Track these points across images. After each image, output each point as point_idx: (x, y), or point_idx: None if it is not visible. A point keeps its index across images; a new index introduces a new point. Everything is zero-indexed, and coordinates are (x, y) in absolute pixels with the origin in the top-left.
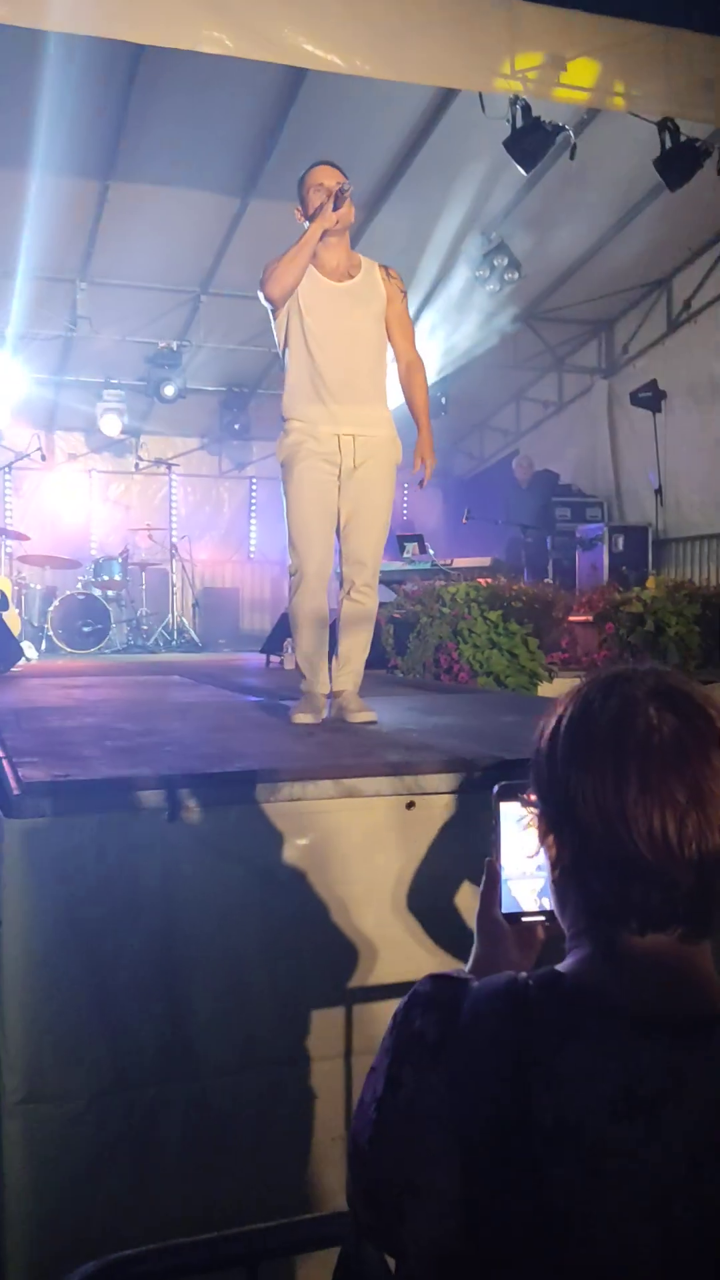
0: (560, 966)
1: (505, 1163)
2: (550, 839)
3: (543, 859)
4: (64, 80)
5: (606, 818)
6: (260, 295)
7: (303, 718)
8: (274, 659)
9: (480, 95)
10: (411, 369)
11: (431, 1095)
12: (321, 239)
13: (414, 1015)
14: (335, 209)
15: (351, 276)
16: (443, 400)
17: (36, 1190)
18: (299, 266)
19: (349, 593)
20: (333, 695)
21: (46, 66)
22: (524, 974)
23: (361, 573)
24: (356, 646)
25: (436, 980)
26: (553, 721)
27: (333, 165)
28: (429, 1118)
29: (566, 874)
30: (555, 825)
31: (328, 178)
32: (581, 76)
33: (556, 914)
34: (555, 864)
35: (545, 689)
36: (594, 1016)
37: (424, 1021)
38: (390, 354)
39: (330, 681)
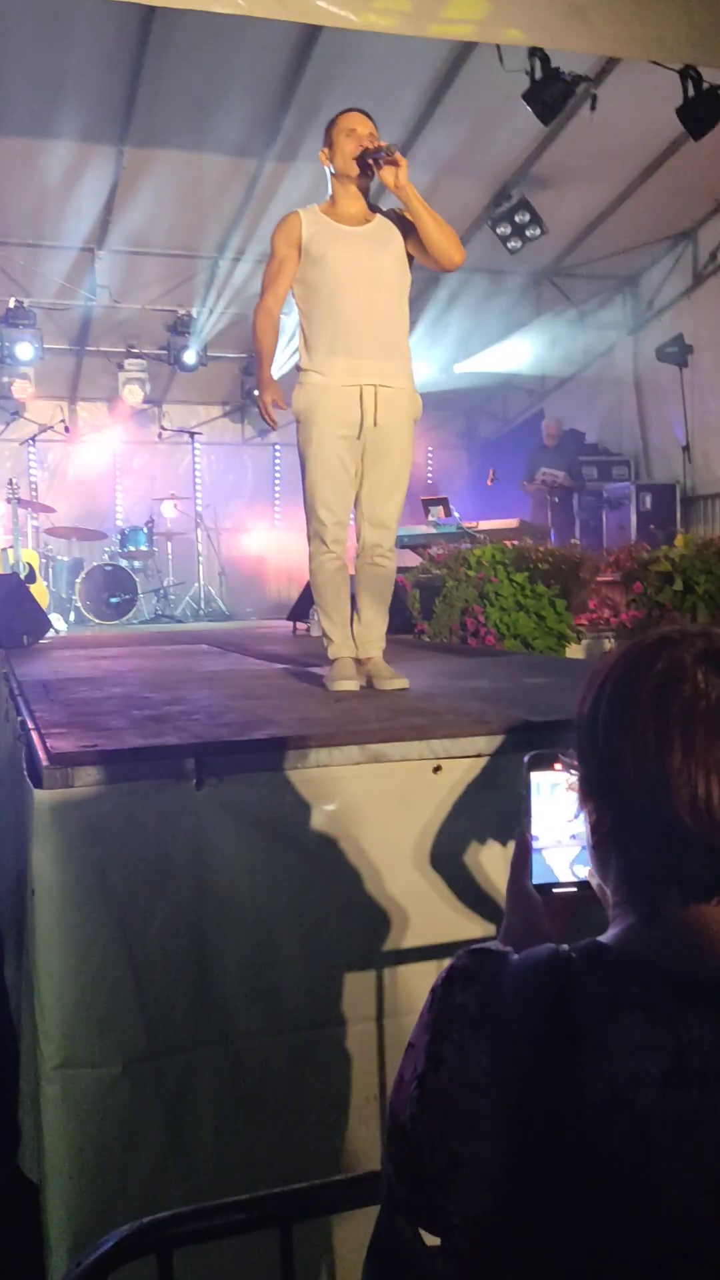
0: (603, 937)
1: (555, 1135)
2: (590, 804)
3: (578, 827)
4: (76, 45)
5: (648, 783)
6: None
7: (343, 685)
8: (300, 626)
9: (498, 48)
10: None
11: (476, 1069)
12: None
13: (454, 989)
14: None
15: (368, 222)
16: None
17: (75, 1154)
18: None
19: (372, 558)
20: (359, 663)
21: (58, 32)
22: (565, 945)
23: (384, 536)
24: (380, 612)
25: (475, 954)
26: (596, 684)
27: (364, 113)
28: (474, 1092)
29: (606, 841)
30: (596, 790)
31: (360, 124)
32: (601, 24)
33: (597, 882)
34: (595, 830)
35: (573, 651)
36: (641, 986)
37: (465, 995)
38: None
39: (355, 647)
